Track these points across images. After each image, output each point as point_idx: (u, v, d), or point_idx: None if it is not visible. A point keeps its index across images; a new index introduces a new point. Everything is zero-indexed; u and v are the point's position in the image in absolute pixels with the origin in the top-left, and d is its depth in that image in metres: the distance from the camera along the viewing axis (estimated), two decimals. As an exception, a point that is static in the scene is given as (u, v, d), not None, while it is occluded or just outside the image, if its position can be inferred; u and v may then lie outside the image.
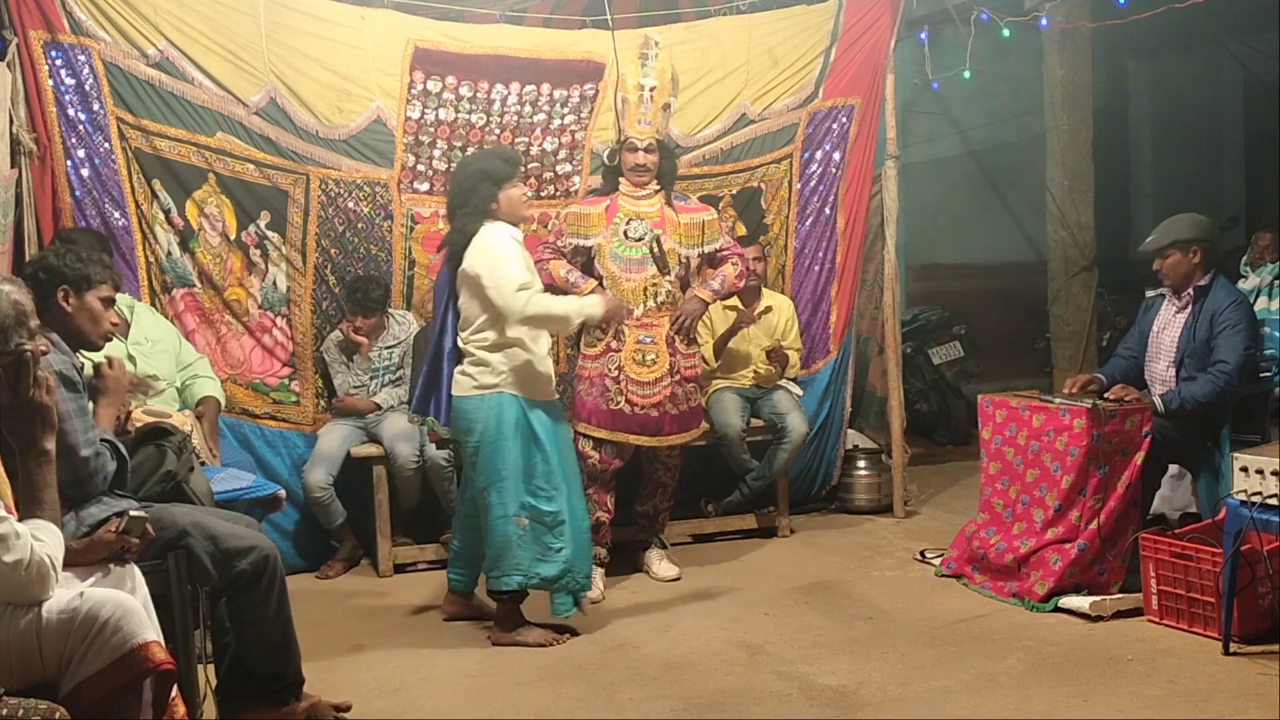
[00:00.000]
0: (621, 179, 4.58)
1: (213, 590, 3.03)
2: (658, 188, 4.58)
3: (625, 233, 4.50)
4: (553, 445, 3.87)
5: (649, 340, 4.50)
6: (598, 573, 4.43)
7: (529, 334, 3.88)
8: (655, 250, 4.48)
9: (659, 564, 4.67)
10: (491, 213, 3.88)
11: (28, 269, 3.01)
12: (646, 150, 4.52)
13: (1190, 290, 4.31)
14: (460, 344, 3.93)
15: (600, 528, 4.49)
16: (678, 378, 4.52)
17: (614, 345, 4.47)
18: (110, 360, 3.12)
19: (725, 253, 4.66)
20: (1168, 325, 4.40)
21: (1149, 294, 4.60)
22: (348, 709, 3.26)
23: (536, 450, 3.84)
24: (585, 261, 4.55)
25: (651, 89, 4.55)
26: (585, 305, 3.90)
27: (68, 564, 2.42)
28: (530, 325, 3.84)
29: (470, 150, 4.96)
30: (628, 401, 4.44)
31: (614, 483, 4.57)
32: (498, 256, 3.80)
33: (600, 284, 4.44)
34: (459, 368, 3.93)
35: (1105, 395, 4.24)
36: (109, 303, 3.02)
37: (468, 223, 3.89)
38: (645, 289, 4.48)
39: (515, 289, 3.75)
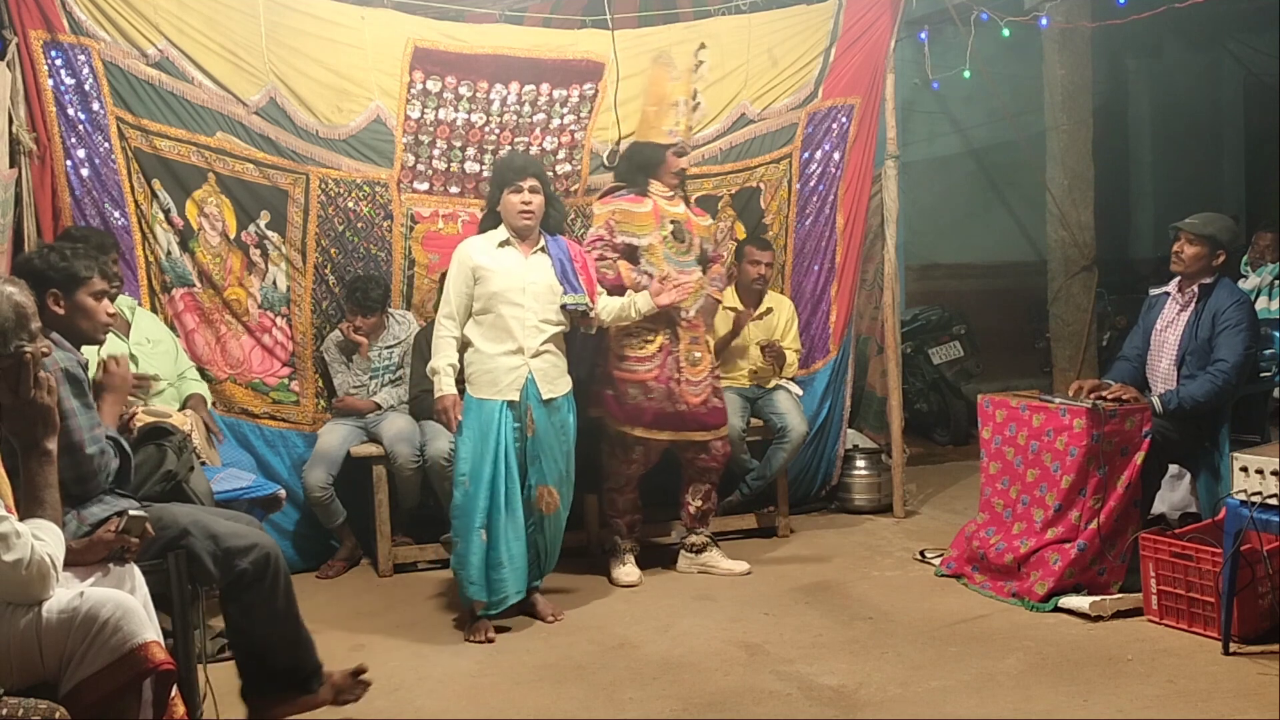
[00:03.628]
0: (654, 180, 4.57)
1: (224, 592, 3.03)
2: (678, 190, 4.66)
3: (673, 234, 4.55)
4: (466, 444, 3.99)
5: (697, 340, 4.59)
6: (630, 561, 4.64)
7: (479, 334, 4.05)
8: (703, 253, 4.67)
9: (727, 561, 4.72)
10: (498, 215, 4.14)
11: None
12: (686, 156, 4.63)
13: (1195, 288, 4.32)
14: None
15: (635, 526, 4.71)
16: (714, 373, 4.68)
17: (669, 346, 4.50)
18: (116, 358, 3.12)
19: (715, 253, 4.84)
20: (1171, 323, 4.41)
21: (1153, 292, 4.61)
22: (365, 670, 3.25)
23: (460, 445, 4.01)
24: (628, 260, 4.55)
25: (701, 93, 4.63)
26: (443, 379, 4.02)
27: (67, 564, 2.42)
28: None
29: (470, 150, 4.97)
30: (686, 402, 4.50)
31: (638, 483, 4.70)
32: (449, 274, 4.12)
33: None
34: None
35: (1104, 395, 4.24)
36: (101, 295, 2.97)
37: (483, 220, 4.24)
38: (695, 291, 4.54)
39: (441, 312, 4.10)
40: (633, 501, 4.70)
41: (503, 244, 4.08)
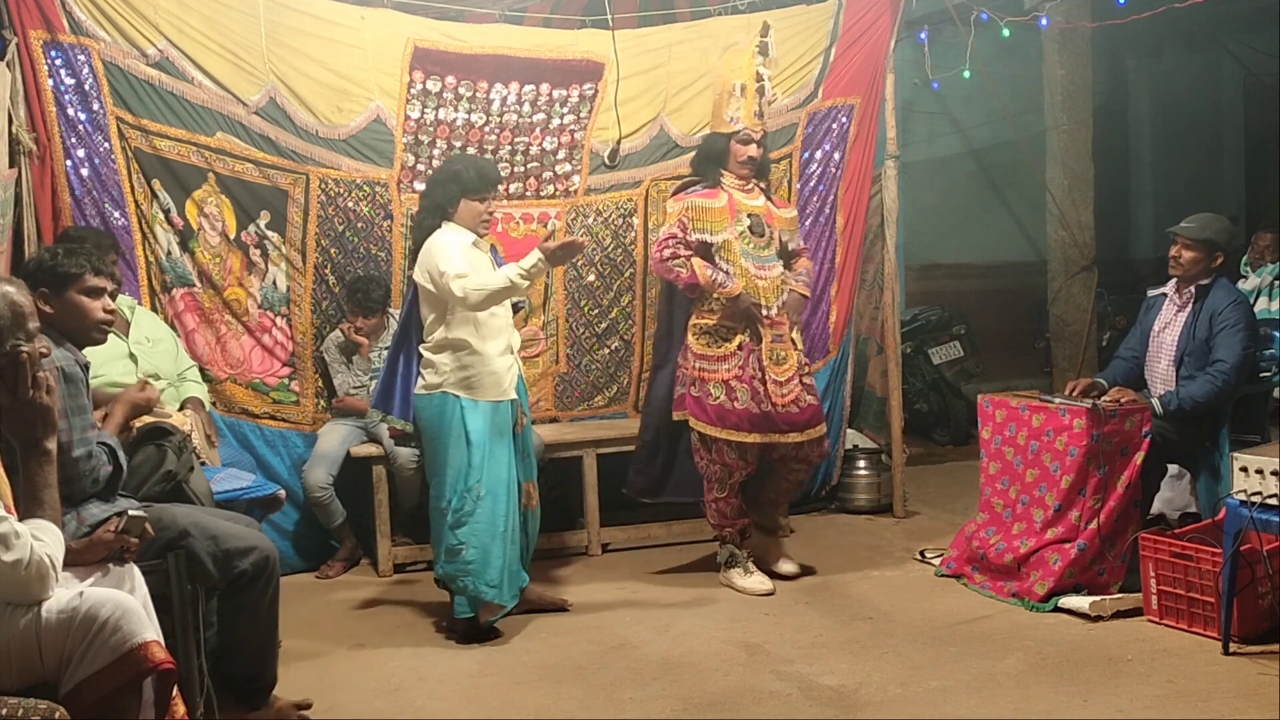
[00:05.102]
0: (725, 172, 4.44)
1: (220, 591, 3.04)
2: (756, 182, 4.51)
3: (750, 229, 4.40)
4: (483, 448, 3.90)
5: (780, 339, 4.41)
6: (755, 569, 4.48)
7: (476, 335, 3.92)
8: (783, 247, 4.50)
9: (784, 562, 4.62)
10: (448, 215, 4.00)
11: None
12: (758, 143, 4.43)
13: (1192, 289, 4.32)
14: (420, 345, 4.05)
15: (747, 531, 4.55)
16: (804, 371, 4.50)
17: (750, 344, 4.36)
18: (146, 383, 3.20)
19: (801, 246, 4.68)
20: (1169, 324, 4.41)
21: (1150, 293, 4.60)
22: (308, 706, 3.28)
23: (466, 450, 3.89)
24: (702, 258, 4.39)
25: (769, 78, 4.44)
26: (524, 263, 3.83)
27: (67, 564, 2.42)
28: (482, 309, 3.86)
29: (470, 150, 4.97)
30: (772, 402, 4.35)
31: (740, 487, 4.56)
32: (437, 256, 3.88)
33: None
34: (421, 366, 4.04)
35: (1103, 396, 4.24)
36: (96, 293, 2.91)
37: (424, 217, 4.05)
38: (777, 287, 4.42)
39: (452, 279, 3.80)
40: (739, 507, 4.52)
41: (474, 244, 4.00)
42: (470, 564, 3.88)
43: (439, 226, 3.98)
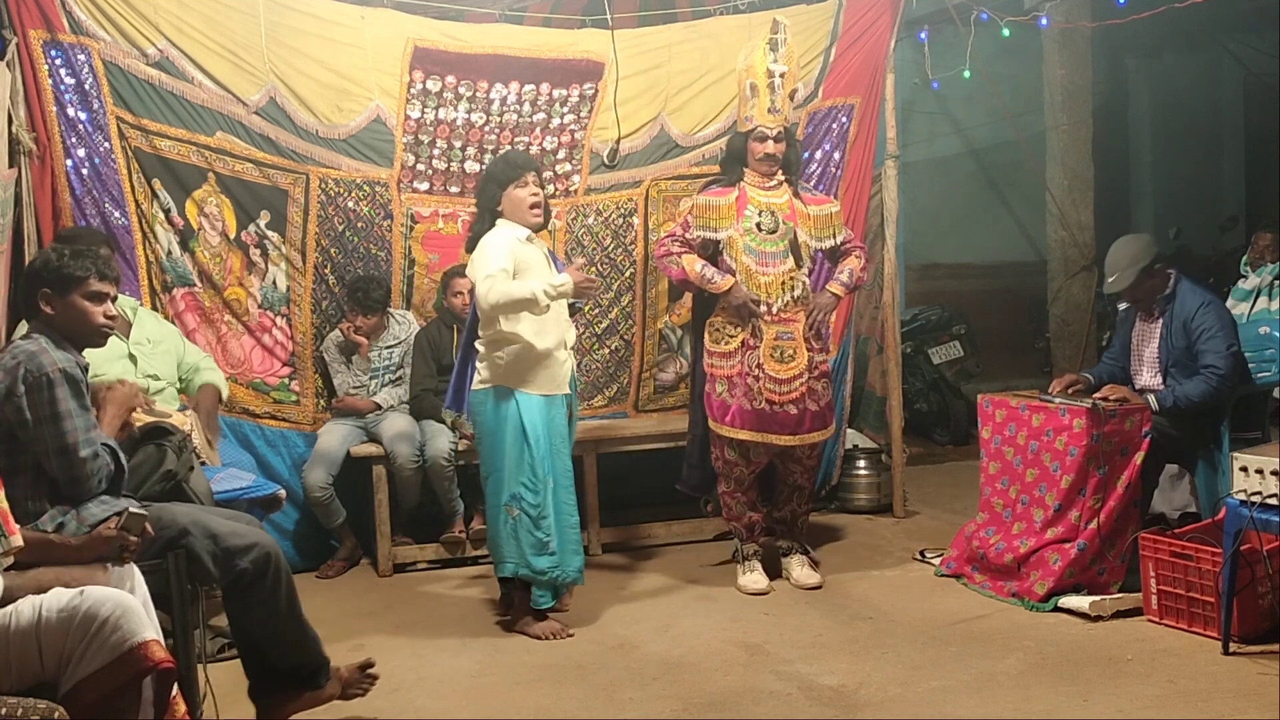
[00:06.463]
0: (746, 169, 4.45)
1: (225, 592, 3.03)
2: (783, 178, 4.49)
3: (758, 225, 4.36)
4: (543, 439, 3.91)
5: (788, 336, 4.36)
6: (757, 568, 4.47)
7: (530, 329, 3.91)
8: (794, 243, 4.41)
9: (800, 570, 4.49)
10: (498, 214, 4.03)
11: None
12: (776, 140, 4.41)
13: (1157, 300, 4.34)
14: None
15: (754, 528, 4.52)
16: (815, 373, 4.43)
17: (751, 342, 4.34)
18: (124, 381, 3.15)
19: (848, 245, 4.61)
20: (1145, 337, 4.42)
21: (1121, 307, 4.62)
22: (372, 664, 3.25)
23: (526, 443, 3.90)
24: (711, 255, 4.40)
25: (781, 75, 4.42)
26: (555, 280, 3.85)
27: (67, 562, 2.42)
28: (500, 313, 3.85)
29: (470, 149, 4.97)
30: (768, 400, 4.32)
31: (756, 484, 4.54)
32: (479, 256, 3.92)
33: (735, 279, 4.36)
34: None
35: (1097, 394, 4.23)
36: (99, 297, 2.88)
37: (475, 224, 4.10)
38: (783, 283, 4.35)
39: (480, 278, 3.82)
40: (750, 502, 4.52)
41: (529, 239, 4.00)
42: (557, 554, 3.94)
43: (492, 227, 4.00)
